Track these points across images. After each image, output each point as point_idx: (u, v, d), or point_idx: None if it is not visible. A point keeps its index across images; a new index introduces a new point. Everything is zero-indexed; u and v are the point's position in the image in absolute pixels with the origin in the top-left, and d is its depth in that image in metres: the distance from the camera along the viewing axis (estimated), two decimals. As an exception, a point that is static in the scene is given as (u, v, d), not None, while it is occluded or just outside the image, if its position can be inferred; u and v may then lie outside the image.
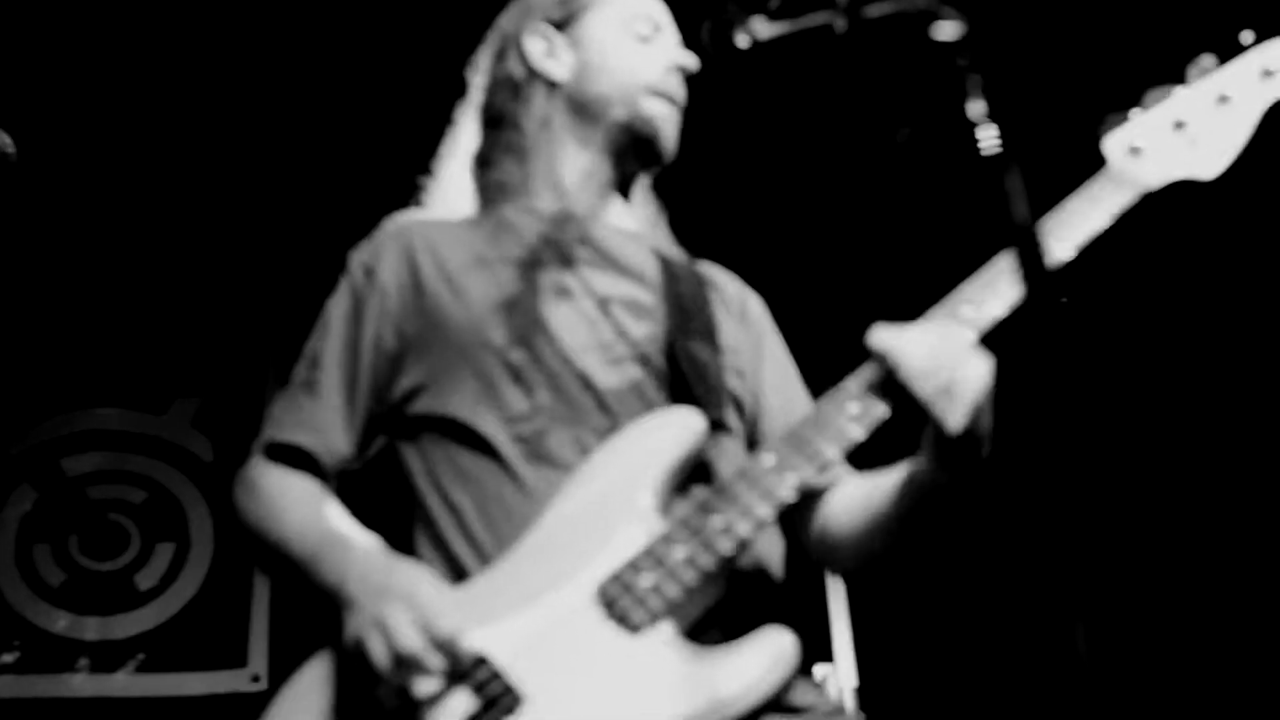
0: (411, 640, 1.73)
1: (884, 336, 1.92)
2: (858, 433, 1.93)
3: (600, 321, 2.13)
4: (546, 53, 2.42)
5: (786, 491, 1.89)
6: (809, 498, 2.22)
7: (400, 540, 2.05)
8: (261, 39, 4.70)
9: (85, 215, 5.00)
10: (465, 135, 2.50)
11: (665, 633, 1.84)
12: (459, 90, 2.53)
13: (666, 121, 2.36)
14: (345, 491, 2.16)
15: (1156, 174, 2.09)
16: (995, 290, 1.96)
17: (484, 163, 2.42)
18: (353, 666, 1.78)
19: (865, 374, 1.95)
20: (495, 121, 2.43)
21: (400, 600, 1.77)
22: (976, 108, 1.41)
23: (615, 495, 1.95)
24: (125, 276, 5.12)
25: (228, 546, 5.06)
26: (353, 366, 2.16)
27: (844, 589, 4.35)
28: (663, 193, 2.55)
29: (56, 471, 5.02)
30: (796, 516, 2.24)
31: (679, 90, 2.38)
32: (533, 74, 2.42)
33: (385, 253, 2.26)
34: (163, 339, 5.20)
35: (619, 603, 1.84)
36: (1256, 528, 4.33)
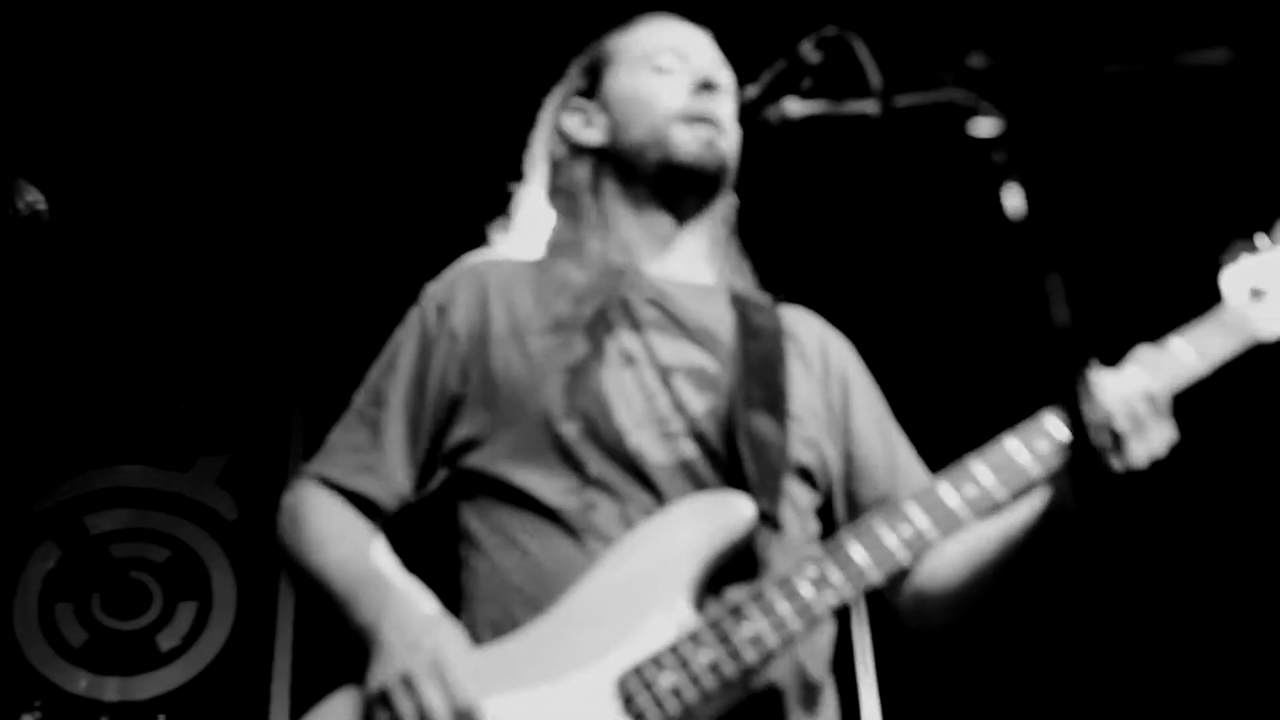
0: (435, 705, 1.78)
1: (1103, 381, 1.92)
2: (903, 555, 1.92)
3: (660, 394, 2.11)
4: (583, 124, 2.45)
5: (821, 609, 1.88)
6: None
7: (444, 583, 2.08)
8: (289, 98, 4.75)
9: (111, 273, 5.03)
10: (531, 219, 2.49)
11: None
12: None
13: (701, 143, 2.32)
14: (399, 527, 2.20)
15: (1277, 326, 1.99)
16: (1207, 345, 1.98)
17: (551, 240, 2.42)
18: (373, 711, 1.84)
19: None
20: (556, 204, 2.44)
21: (429, 660, 1.81)
22: (1013, 205, 1.38)
23: (650, 580, 1.92)
24: (151, 334, 5.13)
25: (250, 606, 5.03)
26: (417, 407, 2.18)
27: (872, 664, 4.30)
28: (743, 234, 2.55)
29: (80, 529, 5.00)
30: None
31: (709, 107, 2.34)
32: (574, 149, 2.44)
33: (460, 293, 2.27)
34: (187, 396, 5.21)
35: (636, 699, 1.83)
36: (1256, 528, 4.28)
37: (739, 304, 2.32)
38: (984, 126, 1.45)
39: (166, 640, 4.95)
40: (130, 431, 5.14)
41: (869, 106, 1.74)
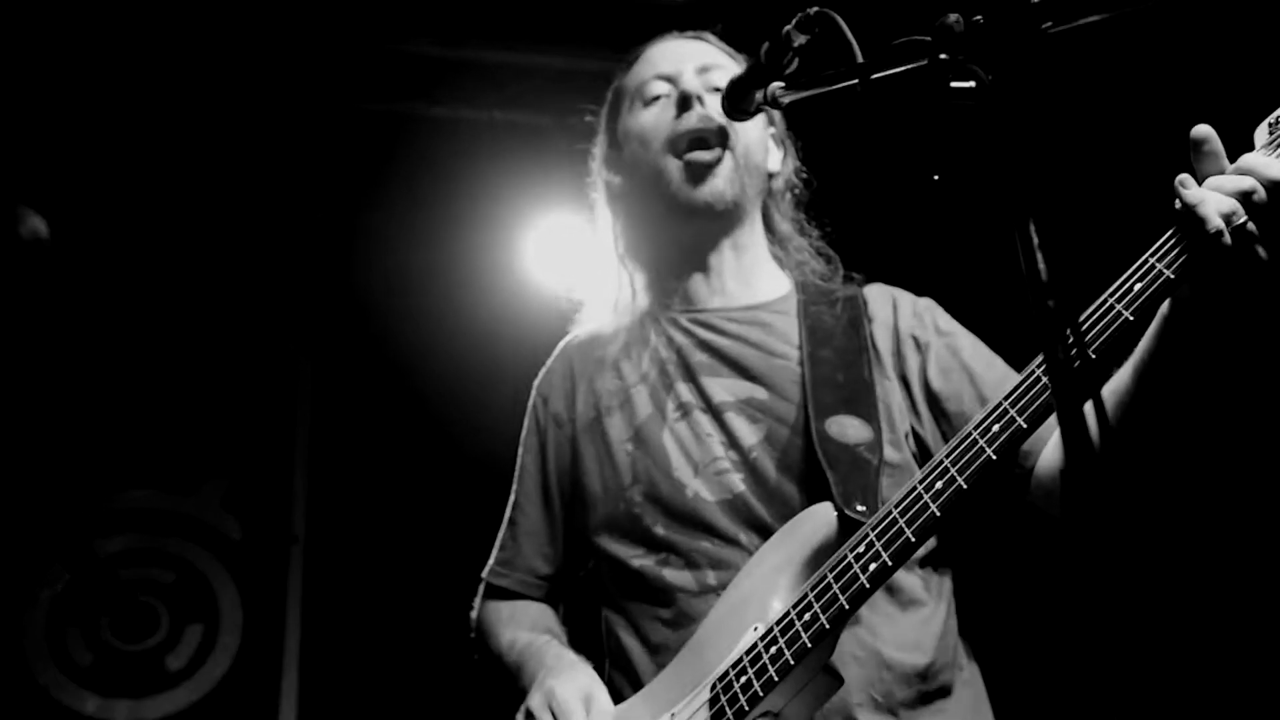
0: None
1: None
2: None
3: (713, 435, 2.23)
4: (613, 172, 2.53)
5: (869, 580, 1.86)
6: (1010, 457, 1.99)
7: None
8: (285, 138, 4.81)
9: (115, 297, 5.07)
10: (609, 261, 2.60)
11: None
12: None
13: (690, 178, 2.34)
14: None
15: None
16: None
17: (619, 280, 2.54)
18: None
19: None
20: (614, 244, 2.55)
21: (543, 694, 2.08)
22: (993, 158, 1.42)
23: (748, 600, 2.02)
24: (156, 359, 5.17)
25: (257, 627, 5.06)
26: (544, 499, 2.44)
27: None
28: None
29: (88, 552, 5.04)
30: (1007, 483, 2.12)
31: (691, 125, 2.34)
32: (611, 196, 2.54)
33: (554, 381, 2.50)
34: (193, 421, 5.24)
35: (718, 702, 1.92)
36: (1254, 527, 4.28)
37: (806, 308, 2.34)
38: (964, 85, 1.49)
39: (174, 661, 4.98)
40: (137, 456, 5.17)
41: (852, 81, 1.79)
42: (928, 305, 2.37)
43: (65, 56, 4.34)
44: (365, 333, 5.29)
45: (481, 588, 2.51)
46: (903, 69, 1.62)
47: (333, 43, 4.73)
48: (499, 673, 2.35)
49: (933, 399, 2.23)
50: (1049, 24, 1.39)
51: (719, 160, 2.34)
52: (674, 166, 2.34)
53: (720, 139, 2.35)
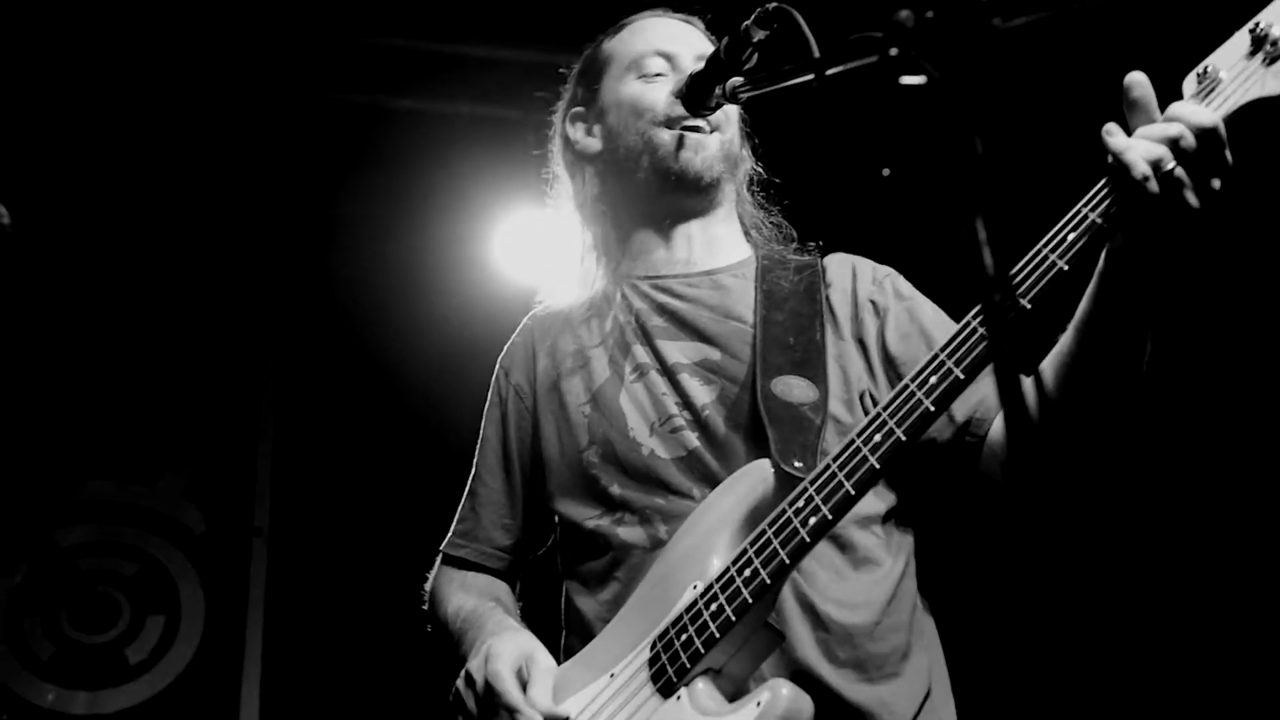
0: (482, 693, 2.09)
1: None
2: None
3: (668, 394, 2.26)
4: (585, 132, 2.55)
5: (809, 534, 1.87)
6: (960, 439, 2.12)
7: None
8: (253, 129, 4.79)
9: (77, 288, 5.04)
10: (569, 226, 2.63)
11: (698, 691, 1.89)
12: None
13: (683, 148, 2.37)
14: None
15: None
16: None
17: (583, 245, 2.57)
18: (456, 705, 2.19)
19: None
20: (582, 214, 2.57)
21: (481, 657, 2.13)
22: (948, 151, 1.43)
23: (689, 557, 2.03)
24: (116, 349, 5.13)
25: (219, 619, 5.03)
26: (505, 470, 2.48)
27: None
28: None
29: (48, 543, 4.99)
30: (958, 452, 2.14)
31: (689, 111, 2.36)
32: (578, 157, 2.55)
33: (515, 353, 2.55)
34: (154, 412, 5.21)
35: (658, 661, 1.94)
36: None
37: (764, 275, 2.37)
38: (914, 80, 1.49)
39: (135, 654, 4.95)
40: (97, 447, 5.13)
41: (807, 77, 1.81)
42: (888, 273, 2.40)
43: (23, 48, 4.31)
44: (330, 325, 5.27)
45: (439, 559, 2.53)
46: (855, 64, 1.63)
47: (302, 35, 4.72)
48: (445, 641, 2.38)
49: (889, 362, 2.25)
50: (998, 20, 1.39)
51: (713, 135, 2.39)
52: (668, 136, 2.37)
53: (715, 122, 2.40)
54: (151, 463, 5.18)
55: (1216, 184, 1.77)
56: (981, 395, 2.10)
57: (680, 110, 2.36)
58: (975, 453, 2.13)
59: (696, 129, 2.36)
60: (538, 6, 4.60)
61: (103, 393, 5.12)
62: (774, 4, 1.93)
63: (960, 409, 2.12)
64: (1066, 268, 1.77)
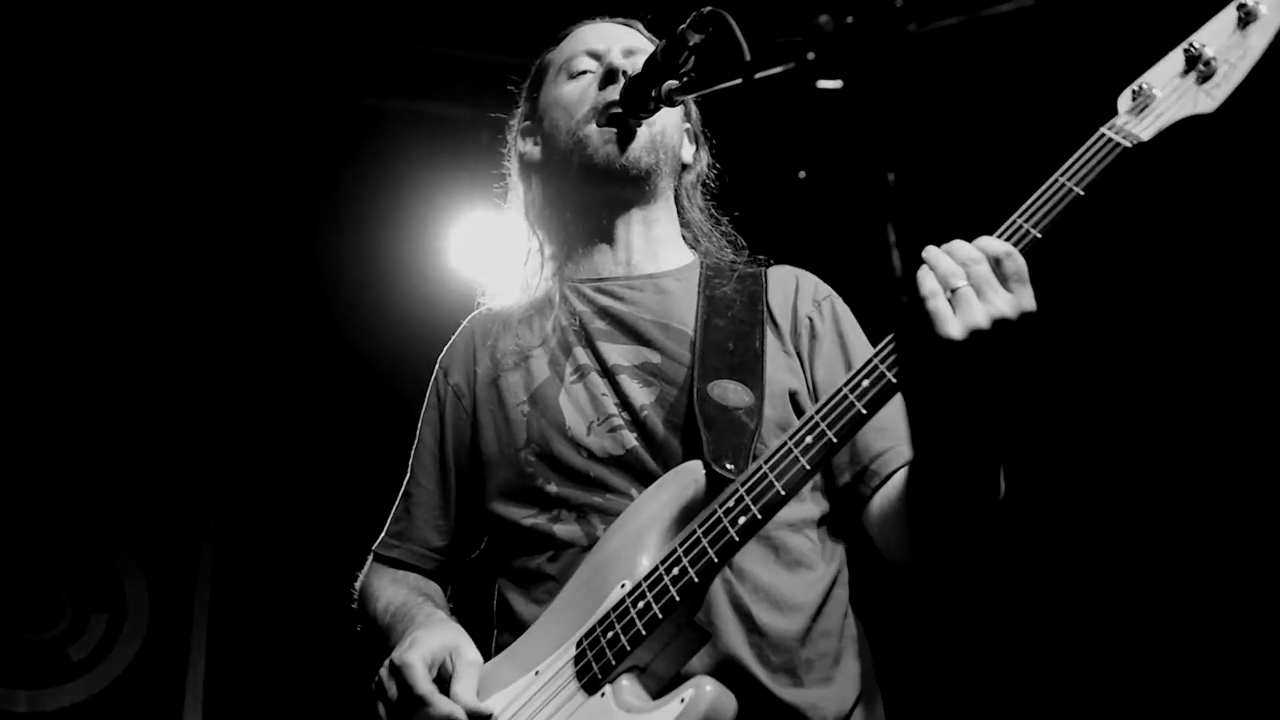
0: (399, 684, 2.06)
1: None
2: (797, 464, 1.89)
3: (608, 395, 2.27)
4: (532, 144, 2.56)
5: (738, 533, 1.88)
6: (855, 486, 2.18)
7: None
8: (208, 125, 4.77)
9: (28, 279, 5.00)
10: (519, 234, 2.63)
11: (622, 688, 1.90)
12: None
13: (609, 140, 2.37)
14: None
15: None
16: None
17: (528, 250, 2.58)
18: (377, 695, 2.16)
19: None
20: (531, 223, 2.58)
21: (403, 648, 2.11)
22: (860, 156, 1.44)
23: (617, 556, 2.04)
24: (69, 347, 5.10)
25: (164, 618, 4.99)
26: (440, 471, 2.47)
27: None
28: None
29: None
30: (851, 499, 2.20)
31: (617, 98, 2.34)
32: (526, 167, 2.58)
33: (455, 353, 2.54)
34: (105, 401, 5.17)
35: (584, 658, 1.96)
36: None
37: (708, 280, 2.39)
38: (831, 85, 1.50)
39: (78, 652, 4.91)
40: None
41: (735, 80, 1.82)
42: (829, 294, 2.42)
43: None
44: (280, 322, 5.24)
45: (370, 559, 2.52)
46: (779, 69, 1.64)
47: (260, 33, 4.70)
48: (375, 637, 2.36)
49: (815, 388, 2.28)
50: (913, 25, 1.40)
51: (638, 128, 2.39)
52: (595, 132, 2.38)
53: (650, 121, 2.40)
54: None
55: (1008, 312, 1.70)
56: (890, 445, 2.16)
57: (607, 97, 2.36)
58: (862, 506, 2.20)
59: (622, 120, 2.36)
60: (493, 6, 4.60)
61: (55, 381, 5.07)
62: (709, 8, 1.94)
63: (864, 451, 2.18)
64: (865, 413, 1.83)
